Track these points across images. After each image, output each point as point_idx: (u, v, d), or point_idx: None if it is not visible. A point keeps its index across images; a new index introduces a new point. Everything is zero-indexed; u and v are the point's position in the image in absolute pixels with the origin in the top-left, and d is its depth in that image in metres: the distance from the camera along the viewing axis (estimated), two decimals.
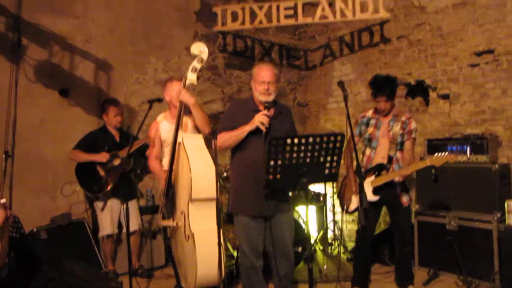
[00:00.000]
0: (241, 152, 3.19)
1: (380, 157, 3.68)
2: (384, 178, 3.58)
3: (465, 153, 4.06)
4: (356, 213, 3.78)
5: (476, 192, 3.97)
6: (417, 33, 4.91)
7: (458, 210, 4.08)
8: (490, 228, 3.82)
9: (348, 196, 3.81)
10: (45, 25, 4.71)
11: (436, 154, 3.49)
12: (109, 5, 5.11)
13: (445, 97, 4.69)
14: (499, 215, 3.81)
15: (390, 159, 3.67)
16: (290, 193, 3.37)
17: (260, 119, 2.99)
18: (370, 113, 3.82)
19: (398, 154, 3.70)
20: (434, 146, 4.31)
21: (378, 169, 3.66)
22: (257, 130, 3.04)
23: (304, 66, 6.67)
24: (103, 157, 4.44)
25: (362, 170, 3.73)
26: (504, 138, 4.15)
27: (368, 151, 3.78)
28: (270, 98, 3.11)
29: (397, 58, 5.18)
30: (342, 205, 3.98)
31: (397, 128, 3.66)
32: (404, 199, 3.70)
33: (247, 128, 3.04)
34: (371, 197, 3.60)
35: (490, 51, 4.23)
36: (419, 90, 5.08)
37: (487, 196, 3.90)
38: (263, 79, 3.08)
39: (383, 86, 3.62)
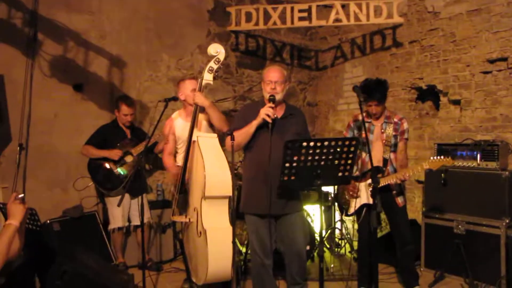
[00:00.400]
0: (250, 152, 3.29)
1: (376, 160, 3.62)
2: (382, 181, 3.59)
3: (475, 159, 4.09)
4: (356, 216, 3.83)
5: (485, 197, 3.99)
6: (429, 38, 4.92)
7: (466, 214, 4.10)
8: (498, 233, 3.85)
9: (346, 200, 3.85)
10: (61, 20, 4.78)
11: (432, 158, 3.52)
12: (124, 3, 5.17)
13: (456, 102, 4.70)
14: (507, 221, 3.84)
15: (385, 162, 3.70)
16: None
17: (265, 111, 3.08)
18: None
19: (392, 155, 3.72)
20: (444, 150, 4.32)
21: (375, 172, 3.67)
22: (265, 125, 3.12)
23: (315, 66, 6.71)
24: (115, 154, 4.48)
25: (357, 173, 3.77)
26: None
27: (362, 155, 3.77)
28: (277, 96, 3.19)
29: (408, 62, 5.19)
30: (340, 207, 4.00)
31: (390, 130, 3.69)
32: (399, 199, 3.72)
33: (254, 122, 3.14)
34: (369, 200, 3.63)
35: (504, 59, 4.23)
36: (429, 94, 5.11)
37: (496, 202, 3.92)
38: (270, 79, 3.20)
39: (373, 91, 3.61)
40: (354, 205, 3.75)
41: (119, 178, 4.50)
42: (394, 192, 3.69)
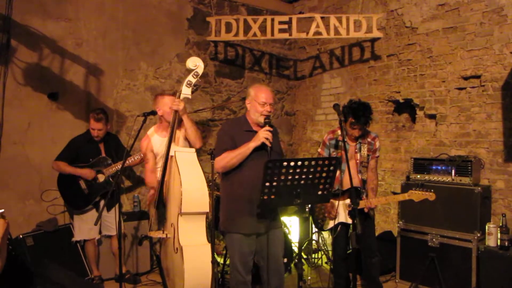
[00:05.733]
0: (236, 172, 3.20)
1: (355, 181, 3.62)
2: (361, 204, 3.64)
3: (450, 174, 4.18)
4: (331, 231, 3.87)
5: (459, 212, 4.09)
6: (407, 53, 5.00)
7: (441, 228, 4.19)
8: (470, 246, 3.96)
9: (322, 215, 3.87)
10: (36, 27, 4.66)
11: (415, 190, 3.58)
12: (102, 10, 5.07)
13: (432, 117, 4.78)
14: (479, 235, 3.94)
15: (363, 183, 3.77)
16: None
17: (265, 135, 3.03)
18: (337, 135, 3.82)
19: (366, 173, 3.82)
20: (420, 165, 4.43)
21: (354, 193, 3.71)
22: (259, 148, 3.08)
23: (293, 76, 6.73)
24: (89, 174, 4.34)
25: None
26: (486, 161, 4.28)
27: (337, 173, 3.80)
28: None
29: (386, 75, 5.26)
30: (315, 222, 4.02)
31: (364, 150, 3.75)
32: (371, 211, 3.81)
33: (252, 144, 3.07)
34: (347, 219, 3.69)
35: (477, 77, 4.33)
36: (406, 107, 5.19)
37: (468, 216, 4.03)
38: (266, 100, 3.17)
39: (361, 117, 3.62)
40: (331, 222, 3.79)
41: (88, 197, 4.37)
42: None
